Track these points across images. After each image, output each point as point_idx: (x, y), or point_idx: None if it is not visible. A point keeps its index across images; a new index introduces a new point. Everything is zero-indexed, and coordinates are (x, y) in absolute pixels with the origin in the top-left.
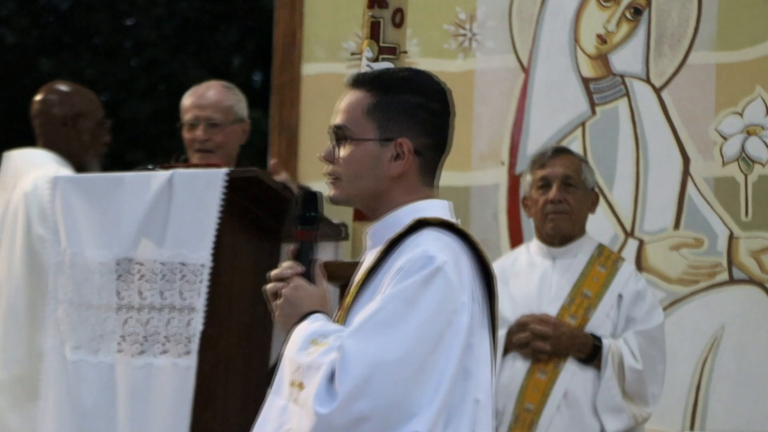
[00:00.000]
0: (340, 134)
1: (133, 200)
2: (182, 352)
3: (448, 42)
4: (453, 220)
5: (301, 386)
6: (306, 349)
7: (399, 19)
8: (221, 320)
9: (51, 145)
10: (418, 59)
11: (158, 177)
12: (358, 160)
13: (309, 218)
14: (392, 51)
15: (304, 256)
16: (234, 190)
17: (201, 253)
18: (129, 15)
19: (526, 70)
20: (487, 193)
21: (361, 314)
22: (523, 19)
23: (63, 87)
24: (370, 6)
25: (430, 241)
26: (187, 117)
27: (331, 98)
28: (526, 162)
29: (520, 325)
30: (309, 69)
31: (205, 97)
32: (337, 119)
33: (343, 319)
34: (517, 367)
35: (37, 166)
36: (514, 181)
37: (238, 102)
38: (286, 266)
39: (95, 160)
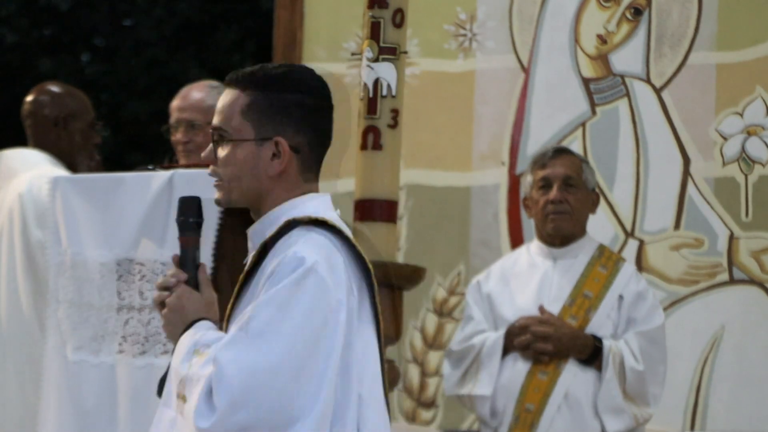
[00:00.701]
0: (218, 136)
1: (134, 200)
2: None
3: (449, 42)
4: (332, 213)
5: (184, 399)
6: (189, 360)
7: (399, 19)
8: (221, 320)
9: (42, 145)
10: (418, 59)
11: (158, 177)
12: (237, 161)
13: (190, 224)
14: (392, 51)
15: (187, 262)
16: None
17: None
18: (129, 15)
19: (526, 71)
20: (487, 194)
21: (235, 323)
22: (523, 19)
23: (54, 88)
24: (371, 6)
25: (299, 241)
26: (171, 119)
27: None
28: (526, 162)
29: (521, 328)
30: None
31: (187, 99)
32: (215, 120)
33: (227, 324)
34: (518, 367)
35: (30, 166)
36: (514, 182)
37: None
38: (170, 274)
39: (86, 161)
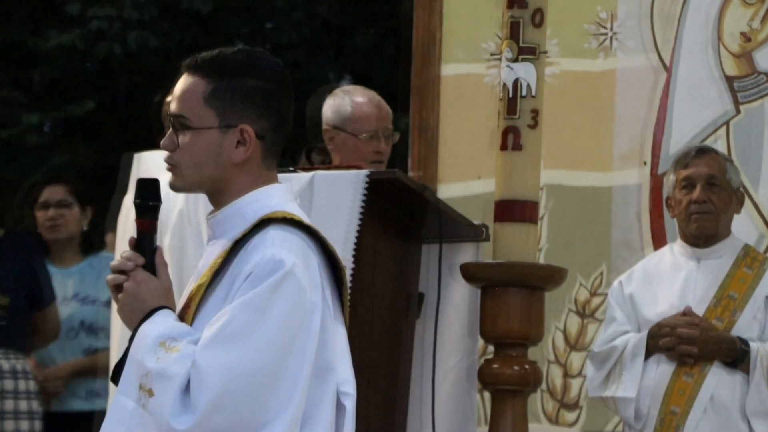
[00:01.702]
0: (178, 123)
1: None
2: None
3: (589, 41)
4: (294, 206)
5: (150, 393)
6: (154, 353)
7: (539, 19)
8: (363, 321)
9: None
10: (558, 59)
11: (299, 179)
12: (199, 149)
13: (148, 207)
14: (532, 51)
15: (144, 246)
16: (374, 191)
17: (342, 255)
18: (268, 18)
19: (668, 69)
20: (629, 193)
21: (213, 324)
22: (664, 17)
23: None
24: (510, 6)
25: (277, 242)
26: (368, 127)
27: (470, 99)
28: (668, 162)
29: (666, 329)
30: (448, 70)
31: (383, 107)
32: (174, 107)
33: (191, 317)
34: (663, 369)
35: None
36: (656, 181)
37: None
38: (126, 257)
39: None
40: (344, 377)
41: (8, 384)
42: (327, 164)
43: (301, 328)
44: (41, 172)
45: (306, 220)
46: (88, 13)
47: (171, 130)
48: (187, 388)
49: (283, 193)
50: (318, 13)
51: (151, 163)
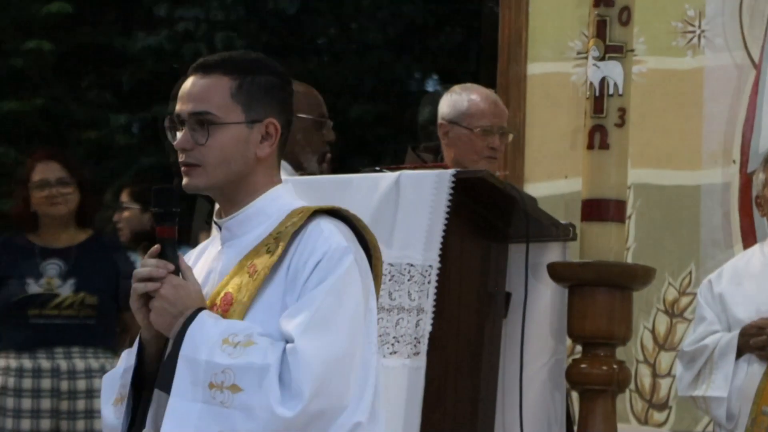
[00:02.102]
0: (203, 120)
1: (361, 202)
2: (411, 352)
3: (677, 39)
4: (302, 202)
5: (236, 388)
6: (222, 350)
7: (626, 17)
8: (450, 321)
9: None
10: (645, 57)
11: (385, 178)
12: (227, 145)
13: (170, 214)
14: (619, 50)
15: (168, 253)
16: (461, 190)
17: (428, 254)
18: (354, 18)
19: (757, 67)
20: (718, 192)
21: (298, 312)
22: (753, 15)
23: None
24: (596, 4)
25: (334, 231)
26: (483, 122)
27: (556, 98)
28: (758, 160)
29: (757, 329)
30: (534, 69)
31: (498, 105)
32: (194, 106)
33: (242, 314)
34: (754, 369)
35: None
36: (746, 180)
37: None
38: (154, 265)
39: (313, 159)
40: (377, 369)
41: (97, 383)
42: (437, 162)
43: (366, 313)
44: (129, 172)
45: (351, 214)
46: (176, 15)
47: (186, 129)
48: (280, 377)
49: (292, 191)
50: (403, 13)
51: None
